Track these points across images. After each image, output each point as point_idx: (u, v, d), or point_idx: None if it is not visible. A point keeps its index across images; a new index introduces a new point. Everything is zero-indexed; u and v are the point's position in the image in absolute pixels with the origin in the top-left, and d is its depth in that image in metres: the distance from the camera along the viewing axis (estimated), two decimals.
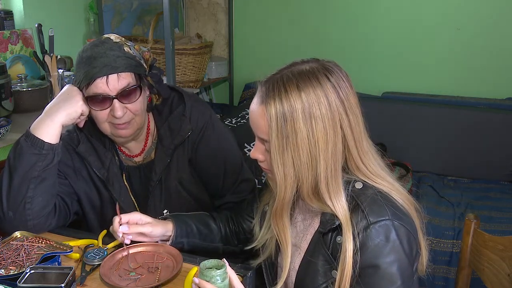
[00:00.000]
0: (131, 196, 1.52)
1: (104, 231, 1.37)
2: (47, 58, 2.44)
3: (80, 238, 1.36)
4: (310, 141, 1.03)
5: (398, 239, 1.04)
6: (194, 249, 1.36)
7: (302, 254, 1.17)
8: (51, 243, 1.29)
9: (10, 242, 1.28)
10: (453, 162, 2.85)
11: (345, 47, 3.29)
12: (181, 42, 3.16)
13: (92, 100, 1.36)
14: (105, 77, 1.33)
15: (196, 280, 1.06)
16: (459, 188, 2.68)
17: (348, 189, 1.08)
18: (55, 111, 1.35)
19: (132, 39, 3.16)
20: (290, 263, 1.18)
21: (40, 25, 2.45)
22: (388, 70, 3.21)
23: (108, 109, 1.37)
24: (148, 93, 1.46)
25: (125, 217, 1.29)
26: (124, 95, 1.36)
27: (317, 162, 1.04)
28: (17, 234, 1.32)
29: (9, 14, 2.61)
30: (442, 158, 2.87)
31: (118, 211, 1.30)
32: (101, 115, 1.38)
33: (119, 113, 1.36)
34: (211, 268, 1.08)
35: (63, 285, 1.07)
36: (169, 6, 2.49)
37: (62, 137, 1.40)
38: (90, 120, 1.46)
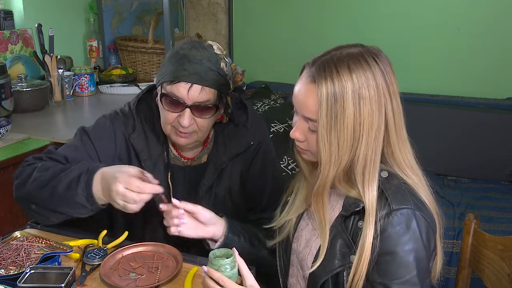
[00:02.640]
0: (171, 196, 1.47)
1: (104, 231, 1.36)
2: (47, 58, 2.45)
3: (80, 238, 1.36)
4: (356, 122, 1.05)
5: (418, 229, 1.05)
6: (242, 254, 1.29)
7: (327, 233, 1.17)
8: (51, 243, 1.29)
9: (10, 242, 1.29)
10: (453, 162, 2.85)
11: None
12: None
13: (166, 98, 1.34)
14: (190, 84, 1.30)
15: (205, 268, 1.07)
16: (459, 188, 2.68)
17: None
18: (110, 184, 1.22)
19: (132, 39, 3.17)
20: (306, 247, 1.19)
21: (40, 25, 2.46)
22: None
23: (177, 114, 1.34)
24: (222, 111, 1.43)
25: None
26: (198, 108, 1.33)
27: (359, 143, 1.06)
28: (17, 234, 1.32)
29: (9, 14, 2.61)
30: (442, 158, 2.87)
31: (164, 199, 1.27)
32: (168, 116, 1.36)
33: (185, 122, 1.33)
34: (220, 257, 1.09)
35: (63, 285, 1.07)
36: (169, 6, 2.49)
37: (115, 122, 1.43)
38: (151, 112, 1.45)
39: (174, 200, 1.27)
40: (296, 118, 1.14)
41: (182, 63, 1.31)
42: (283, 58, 3.42)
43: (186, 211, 1.29)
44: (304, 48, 3.35)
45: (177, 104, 1.33)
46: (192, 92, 1.31)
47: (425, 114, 2.94)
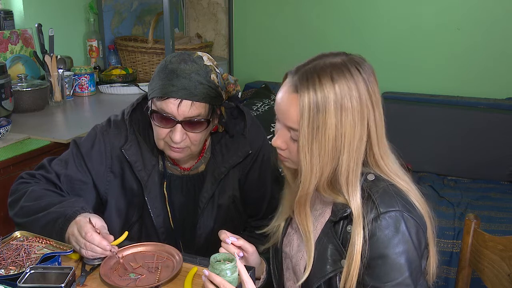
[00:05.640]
0: (167, 206, 1.47)
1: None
2: (47, 58, 2.45)
3: None
4: (338, 132, 1.04)
5: (407, 230, 1.05)
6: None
7: (312, 244, 1.17)
8: (51, 243, 1.29)
9: (10, 242, 1.29)
10: (453, 162, 2.85)
11: (345, 47, 3.24)
12: (181, 42, 3.16)
13: (157, 114, 1.33)
14: (179, 100, 1.28)
15: (206, 272, 1.07)
16: (459, 188, 2.68)
17: (360, 181, 1.09)
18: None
19: (132, 39, 3.17)
20: (299, 251, 1.19)
21: (40, 25, 2.46)
22: (388, 70, 3.21)
23: (168, 129, 1.33)
24: (216, 122, 1.42)
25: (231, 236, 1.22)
26: (190, 123, 1.32)
27: (341, 154, 1.06)
28: (17, 234, 1.32)
29: (9, 14, 2.61)
30: (442, 158, 2.87)
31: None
32: (160, 132, 1.35)
33: (177, 137, 1.31)
34: (221, 261, 1.09)
35: (63, 285, 1.07)
36: (169, 6, 2.49)
37: (105, 135, 1.42)
38: (145, 121, 1.43)
39: (232, 238, 1.20)
40: (278, 126, 1.13)
41: (171, 78, 1.29)
42: (283, 58, 3.41)
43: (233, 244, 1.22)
44: (304, 48, 3.35)
45: (167, 120, 1.32)
46: (182, 107, 1.29)
47: (425, 114, 2.94)
